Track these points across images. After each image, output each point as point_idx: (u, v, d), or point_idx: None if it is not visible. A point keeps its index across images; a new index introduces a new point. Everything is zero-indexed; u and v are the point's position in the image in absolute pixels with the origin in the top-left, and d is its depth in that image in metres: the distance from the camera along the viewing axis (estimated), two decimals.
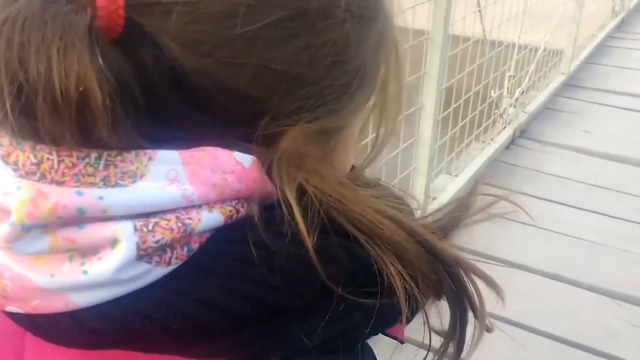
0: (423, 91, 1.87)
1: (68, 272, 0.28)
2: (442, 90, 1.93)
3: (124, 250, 0.28)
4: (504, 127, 2.78)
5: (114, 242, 0.28)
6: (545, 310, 1.83)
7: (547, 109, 3.18)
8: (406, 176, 1.97)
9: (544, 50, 3.13)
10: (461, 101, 2.27)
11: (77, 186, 0.27)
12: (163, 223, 0.28)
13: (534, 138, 2.89)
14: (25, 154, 0.28)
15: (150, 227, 0.28)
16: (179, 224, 0.29)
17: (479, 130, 2.54)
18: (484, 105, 2.51)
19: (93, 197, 0.27)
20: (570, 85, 3.48)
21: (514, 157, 2.73)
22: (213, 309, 0.29)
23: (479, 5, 2.20)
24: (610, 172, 2.59)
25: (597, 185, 2.49)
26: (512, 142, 2.81)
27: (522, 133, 2.89)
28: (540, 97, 3.16)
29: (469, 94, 2.33)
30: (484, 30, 2.28)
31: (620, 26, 4.54)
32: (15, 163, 0.28)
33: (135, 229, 0.28)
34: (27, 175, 0.28)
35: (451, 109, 2.21)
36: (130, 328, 0.29)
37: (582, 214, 2.30)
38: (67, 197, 0.27)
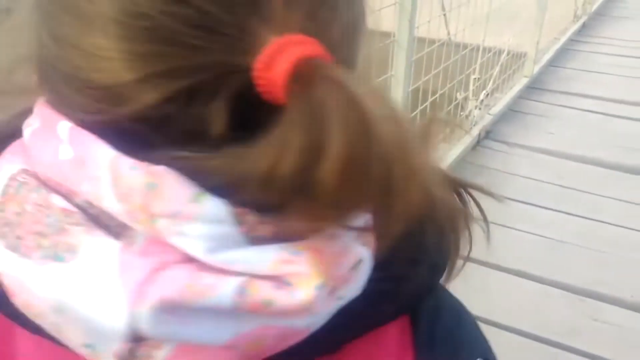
0: (390, 93, 1.89)
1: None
2: (409, 92, 1.96)
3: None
4: (470, 129, 2.82)
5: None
6: (512, 307, 1.87)
7: (512, 111, 3.24)
8: None
9: (508, 53, 3.19)
10: (427, 103, 2.30)
11: None
12: None
13: (500, 139, 2.94)
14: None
15: None
16: None
17: (445, 132, 2.57)
18: (449, 107, 2.55)
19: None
20: (534, 88, 3.55)
21: (480, 157, 2.77)
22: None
23: (443, 9, 2.23)
24: (573, 173, 2.66)
25: (561, 185, 2.54)
26: (477, 143, 2.86)
27: (487, 134, 2.94)
28: (504, 99, 3.22)
29: (435, 96, 2.36)
30: (448, 33, 2.32)
31: (582, 30, 4.66)
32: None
33: None
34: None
35: (418, 110, 2.23)
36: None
37: (547, 213, 2.35)
38: None
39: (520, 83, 3.46)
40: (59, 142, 0.28)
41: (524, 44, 3.47)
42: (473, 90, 2.76)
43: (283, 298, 0.26)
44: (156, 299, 0.25)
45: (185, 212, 0.26)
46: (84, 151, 0.28)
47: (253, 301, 0.26)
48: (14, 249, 0.27)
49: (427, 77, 2.20)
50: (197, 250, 0.26)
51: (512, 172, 2.65)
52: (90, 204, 0.27)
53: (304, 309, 0.26)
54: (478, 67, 2.73)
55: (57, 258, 0.26)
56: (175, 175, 0.26)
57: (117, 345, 0.26)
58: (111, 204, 0.27)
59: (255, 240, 0.27)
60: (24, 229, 0.27)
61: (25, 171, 0.29)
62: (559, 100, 3.42)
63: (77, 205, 0.28)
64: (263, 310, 0.26)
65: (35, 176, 0.29)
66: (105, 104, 0.27)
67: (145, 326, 0.25)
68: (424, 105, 2.27)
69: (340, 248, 0.28)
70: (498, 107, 3.12)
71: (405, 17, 1.78)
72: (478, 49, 2.73)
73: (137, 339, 0.26)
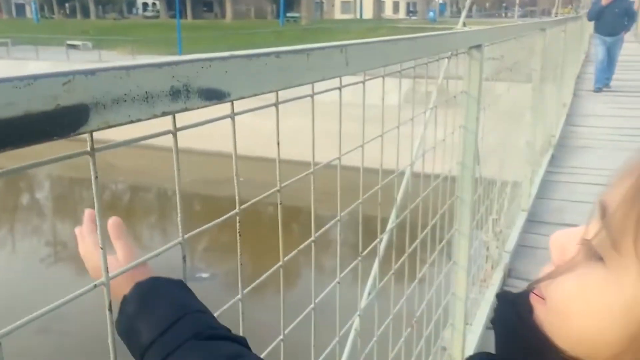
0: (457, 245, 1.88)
1: None
2: (470, 245, 1.95)
3: None
4: (493, 269, 2.83)
5: None
6: None
7: (521, 246, 3.30)
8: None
9: (511, 188, 3.31)
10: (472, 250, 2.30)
11: None
12: None
13: (522, 277, 2.95)
14: None
15: None
16: None
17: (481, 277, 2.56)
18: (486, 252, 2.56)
19: None
20: (532, 221, 3.67)
21: None
22: None
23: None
24: None
25: None
26: (504, 283, 2.85)
27: (510, 272, 2.95)
28: (513, 235, 3.29)
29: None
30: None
31: (552, 161, 4.97)
32: None
33: None
34: None
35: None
36: None
37: None
38: None
39: (521, 217, 3.56)
40: None
41: (509, 174, 3.63)
42: (493, 230, 2.81)
43: None
44: None
45: None
46: None
47: None
48: None
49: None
50: None
51: None
52: None
53: None
54: (497, 205, 2.80)
55: None
56: None
57: None
58: None
59: None
60: None
61: None
62: None
63: None
64: None
65: None
66: None
67: None
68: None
69: None
70: (510, 244, 3.17)
71: (469, 174, 1.82)
72: (495, 187, 2.81)
73: None
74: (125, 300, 0.62)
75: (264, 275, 0.78)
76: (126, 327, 0.60)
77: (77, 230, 0.71)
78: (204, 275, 7.78)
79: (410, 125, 1.32)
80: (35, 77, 0.39)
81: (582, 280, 0.39)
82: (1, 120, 0.37)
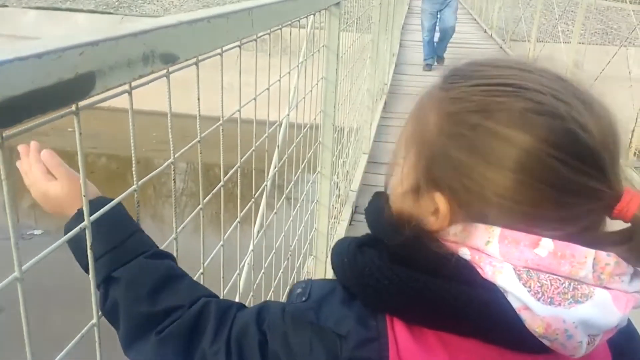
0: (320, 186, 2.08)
1: None
2: (331, 184, 2.16)
3: None
4: (343, 207, 3.13)
5: None
6: None
7: (364, 185, 3.65)
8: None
9: (356, 133, 3.62)
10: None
11: None
12: None
13: None
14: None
15: None
16: None
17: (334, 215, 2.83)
18: (337, 192, 2.81)
19: None
20: (372, 162, 4.05)
21: (359, 232, 3.06)
22: None
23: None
24: None
25: None
26: (352, 219, 3.17)
27: (356, 209, 3.28)
28: (357, 176, 3.63)
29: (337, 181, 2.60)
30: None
31: (385, 107, 5.44)
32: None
33: None
34: None
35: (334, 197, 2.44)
36: None
37: None
38: None
39: (363, 159, 3.92)
40: (531, 247, 0.51)
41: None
42: (343, 172, 3.09)
43: None
44: (630, 308, 0.51)
45: (624, 272, 0.51)
46: (564, 249, 0.51)
47: None
48: (549, 304, 0.50)
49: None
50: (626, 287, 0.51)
51: None
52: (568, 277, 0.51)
53: None
54: (349, 150, 3.07)
55: (577, 302, 0.50)
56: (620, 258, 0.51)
57: (600, 335, 0.51)
58: (585, 274, 0.50)
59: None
60: (550, 292, 0.50)
61: (516, 267, 0.51)
62: None
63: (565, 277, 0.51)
64: None
65: (527, 266, 0.51)
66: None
67: (621, 322, 0.51)
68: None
69: None
70: (355, 183, 3.50)
71: (329, 121, 2.01)
72: (344, 132, 3.07)
73: (608, 332, 0.52)
74: (79, 213, 0.70)
75: (190, 219, 0.87)
76: (78, 237, 0.62)
77: (18, 164, 0.75)
78: (36, 232, 7.26)
79: (285, 81, 1.45)
80: (63, 50, 0.45)
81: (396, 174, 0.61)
82: (43, 88, 0.43)
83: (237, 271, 1.20)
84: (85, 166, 0.59)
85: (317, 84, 1.88)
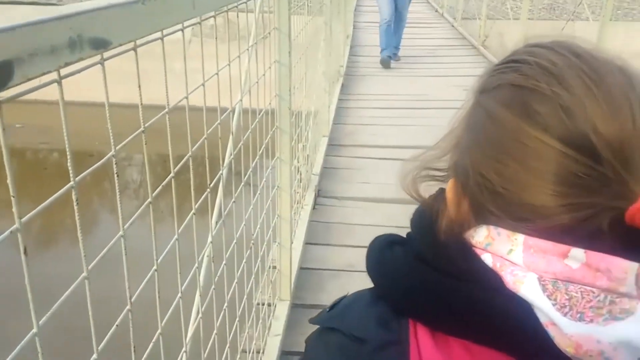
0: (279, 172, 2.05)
1: None
2: (291, 170, 2.13)
3: None
4: (306, 191, 3.11)
5: None
6: None
7: (325, 169, 3.64)
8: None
9: (315, 116, 3.59)
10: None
11: None
12: None
13: (330, 196, 3.28)
14: None
15: None
16: None
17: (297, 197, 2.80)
18: (299, 177, 2.78)
19: None
20: (332, 145, 4.03)
21: (322, 215, 3.06)
22: None
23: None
24: (397, 213, 3.11)
25: (394, 226, 2.97)
26: (315, 203, 3.15)
27: (319, 192, 3.26)
28: (318, 159, 3.60)
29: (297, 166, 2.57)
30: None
31: (342, 89, 5.42)
32: None
33: None
34: None
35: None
36: None
37: None
38: None
39: (323, 142, 3.89)
40: (560, 258, 0.45)
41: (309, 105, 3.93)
42: (303, 156, 3.06)
43: None
44: None
45: None
46: (598, 262, 0.43)
47: None
48: (579, 320, 0.43)
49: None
50: None
51: (352, 222, 3.00)
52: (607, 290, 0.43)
53: None
54: (309, 133, 3.04)
55: (616, 318, 0.42)
56: None
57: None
58: (628, 291, 0.43)
59: None
60: (580, 306, 0.43)
61: (541, 277, 0.45)
62: (355, 153, 3.96)
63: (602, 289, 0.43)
64: None
65: (555, 277, 0.45)
66: (537, 217, 0.46)
67: None
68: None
69: None
70: (317, 167, 3.48)
71: (285, 105, 1.97)
72: (302, 115, 3.04)
73: None
74: None
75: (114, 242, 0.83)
76: None
77: None
78: None
79: (237, 66, 1.40)
80: None
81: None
82: None
83: (196, 265, 1.17)
84: (14, 163, 0.54)
85: (270, 68, 1.83)
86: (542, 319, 0.44)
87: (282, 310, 2.13)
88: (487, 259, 0.48)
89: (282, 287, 2.18)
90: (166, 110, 0.95)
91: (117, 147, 0.72)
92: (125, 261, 0.78)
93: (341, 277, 2.51)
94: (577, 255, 0.44)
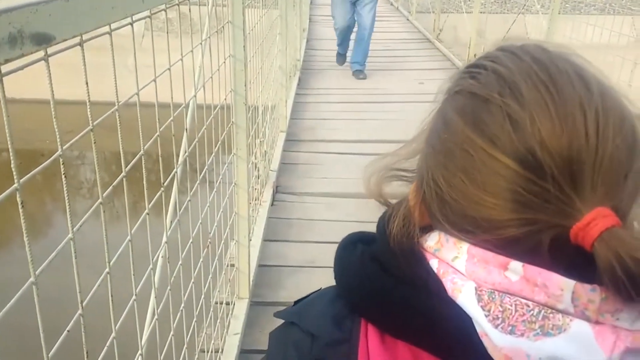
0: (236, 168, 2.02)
1: None
2: (249, 166, 2.11)
3: None
4: (264, 187, 3.08)
5: None
6: None
7: (283, 164, 3.62)
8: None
9: (272, 111, 3.57)
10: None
11: None
12: None
13: (289, 192, 3.27)
14: None
15: None
16: None
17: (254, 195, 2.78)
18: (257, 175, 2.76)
19: None
20: (290, 140, 4.01)
21: (281, 212, 3.05)
22: None
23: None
24: (357, 208, 3.13)
25: (354, 221, 2.97)
26: (274, 199, 3.13)
27: (277, 189, 3.24)
28: (276, 155, 3.58)
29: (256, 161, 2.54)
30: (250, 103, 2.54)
31: (299, 84, 5.40)
32: None
33: None
34: None
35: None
36: None
37: None
38: None
39: (281, 137, 3.87)
40: (501, 269, 0.44)
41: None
42: (261, 151, 3.03)
43: None
44: (622, 349, 0.41)
45: (619, 308, 0.42)
46: (535, 276, 0.43)
47: None
48: (509, 333, 0.42)
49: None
50: (625, 325, 0.42)
51: (313, 218, 2.99)
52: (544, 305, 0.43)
53: None
54: (266, 129, 3.01)
55: (547, 334, 0.42)
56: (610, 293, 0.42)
57: None
58: (565, 308, 0.42)
59: None
60: (513, 319, 0.43)
61: (480, 286, 0.45)
62: (314, 148, 3.95)
63: (539, 304, 0.43)
64: None
65: (493, 288, 0.44)
66: (478, 230, 0.45)
67: None
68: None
69: None
70: (275, 163, 3.46)
71: (241, 101, 1.95)
72: (259, 111, 3.01)
73: None
74: None
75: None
76: None
77: None
78: None
79: (189, 59, 1.37)
80: None
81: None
82: None
83: (151, 266, 1.14)
84: None
85: (224, 63, 1.81)
86: (478, 329, 0.44)
87: (241, 309, 2.11)
88: (434, 264, 0.48)
89: (240, 285, 2.16)
90: (116, 107, 0.92)
91: (65, 147, 0.69)
92: (76, 265, 0.75)
93: (301, 273, 2.50)
94: (516, 268, 0.44)
